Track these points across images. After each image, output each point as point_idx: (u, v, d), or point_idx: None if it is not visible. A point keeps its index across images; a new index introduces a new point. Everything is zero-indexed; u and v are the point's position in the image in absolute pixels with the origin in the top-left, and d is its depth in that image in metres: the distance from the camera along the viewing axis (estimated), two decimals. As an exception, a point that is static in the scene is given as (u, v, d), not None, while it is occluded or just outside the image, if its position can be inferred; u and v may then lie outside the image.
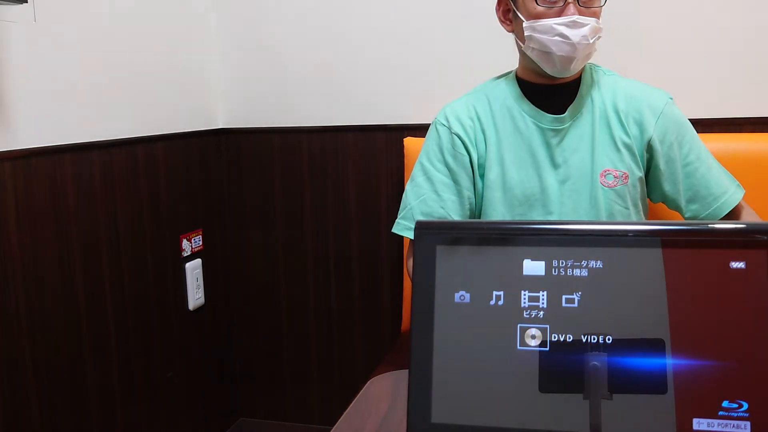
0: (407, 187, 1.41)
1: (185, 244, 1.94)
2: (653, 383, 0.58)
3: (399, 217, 1.40)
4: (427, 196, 1.36)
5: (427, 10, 1.88)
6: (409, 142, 1.86)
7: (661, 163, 1.31)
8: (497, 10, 1.34)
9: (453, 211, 1.34)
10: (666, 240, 0.60)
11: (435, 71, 1.90)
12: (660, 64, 1.74)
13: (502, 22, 1.34)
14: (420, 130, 1.91)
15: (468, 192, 1.35)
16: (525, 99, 1.33)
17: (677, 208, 1.34)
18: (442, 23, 1.88)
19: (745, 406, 0.57)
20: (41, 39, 1.45)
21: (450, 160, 1.35)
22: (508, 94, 1.35)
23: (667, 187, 1.32)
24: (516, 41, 1.33)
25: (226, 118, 2.11)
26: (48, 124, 1.48)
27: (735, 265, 0.59)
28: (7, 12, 1.36)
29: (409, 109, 1.94)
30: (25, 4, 1.34)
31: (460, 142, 1.34)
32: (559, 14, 1.22)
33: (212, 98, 2.08)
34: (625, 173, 1.29)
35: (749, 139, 1.67)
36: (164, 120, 1.86)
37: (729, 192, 1.32)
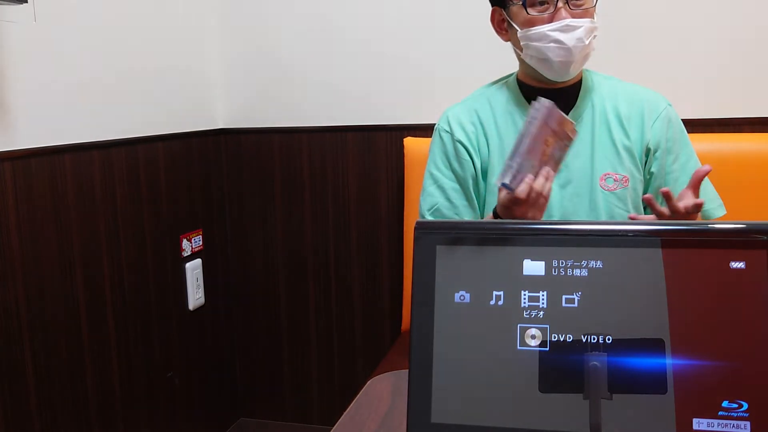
0: (420, 199, 1.41)
1: (185, 244, 1.94)
2: (653, 383, 0.58)
3: None
4: (440, 204, 1.36)
5: (428, 10, 1.88)
6: (409, 142, 1.86)
7: (653, 167, 1.31)
8: (492, 21, 1.34)
9: (467, 217, 1.35)
10: (666, 240, 0.60)
11: (435, 71, 1.90)
12: (659, 65, 1.74)
13: (498, 32, 1.35)
14: (420, 130, 1.91)
15: (475, 197, 1.36)
16: (527, 104, 1.33)
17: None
18: (443, 23, 1.88)
19: (745, 406, 0.57)
20: (41, 39, 1.45)
21: (456, 166, 1.35)
22: (510, 99, 1.35)
23: (650, 191, 1.33)
24: (514, 49, 1.34)
25: (226, 118, 2.11)
26: (48, 124, 1.48)
27: (735, 265, 0.59)
28: (7, 12, 1.36)
29: (409, 109, 1.94)
30: (25, 4, 1.34)
31: (463, 149, 1.34)
32: (552, 19, 1.22)
33: (212, 98, 2.08)
34: (625, 177, 1.29)
35: (748, 139, 1.68)
36: (164, 120, 1.86)
37: (705, 206, 1.31)
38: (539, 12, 1.22)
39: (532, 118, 1.10)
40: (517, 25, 1.26)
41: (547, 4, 1.22)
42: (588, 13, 1.24)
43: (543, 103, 1.10)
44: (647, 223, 0.63)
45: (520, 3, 1.23)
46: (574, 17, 1.21)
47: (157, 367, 1.83)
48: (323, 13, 1.96)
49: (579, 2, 1.23)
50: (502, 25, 1.33)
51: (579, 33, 1.21)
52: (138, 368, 1.75)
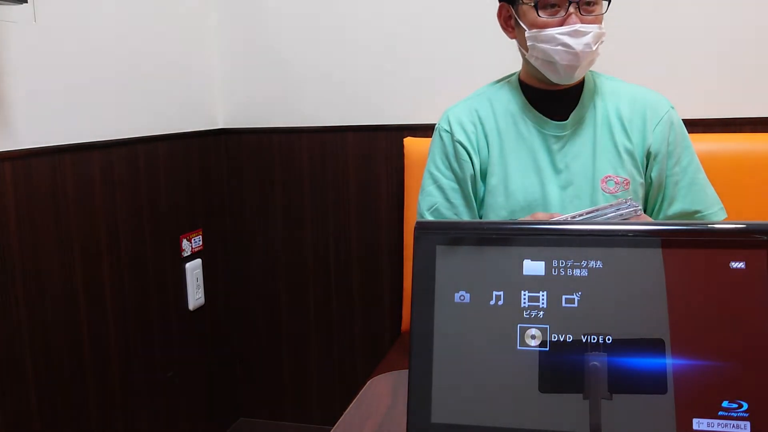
0: (419, 198, 1.41)
1: (185, 244, 1.94)
2: (653, 383, 0.58)
3: None
4: (439, 204, 1.36)
5: (428, 10, 1.88)
6: (409, 142, 1.86)
7: (654, 171, 1.31)
8: (499, 17, 1.34)
9: (466, 217, 1.35)
10: (666, 240, 0.60)
11: (435, 71, 1.90)
12: (660, 65, 1.74)
13: (504, 29, 1.34)
14: (420, 130, 1.91)
15: (473, 198, 1.36)
16: (528, 105, 1.33)
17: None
18: (443, 23, 1.88)
19: (745, 406, 0.57)
20: (41, 39, 1.45)
21: (455, 166, 1.35)
22: (512, 99, 1.35)
23: (650, 194, 1.33)
24: (519, 48, 1.33)
25: (226, 118, 2.11)
26: (48, 124, 1.48)
27: (735, 265, 0.59)
28: (7, 12, 1.36)
29: (409, 109, 1.94)
30: (25, 4, 1.34)
31: (462, 149, 1.34)
32: (562, 23, 1.21)
33: (212, 98, 2.08)
34: (626, 179, 1.29)
35: (749, 139, 1.68)
36: (164, 120, 1.86)
37: (706, 211, 1.32)
38: (550, 15, 1.22)
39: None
40: (526, 25, 1.25)
41: (559, 7, 1.21)
42: (597, 20, 1.23)
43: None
44: (647, 223, 0.63)
45: (531, 4, 1.22)
46: (584, 23, 1.21)
47: (157, 367, 1.83)
48: (323, 13, 1.96)
49: (590, 8, 1.22)
50: (509, 21, 1.32)
51: (587, 39, 1.21)
52: (138, 368, 1.75)
